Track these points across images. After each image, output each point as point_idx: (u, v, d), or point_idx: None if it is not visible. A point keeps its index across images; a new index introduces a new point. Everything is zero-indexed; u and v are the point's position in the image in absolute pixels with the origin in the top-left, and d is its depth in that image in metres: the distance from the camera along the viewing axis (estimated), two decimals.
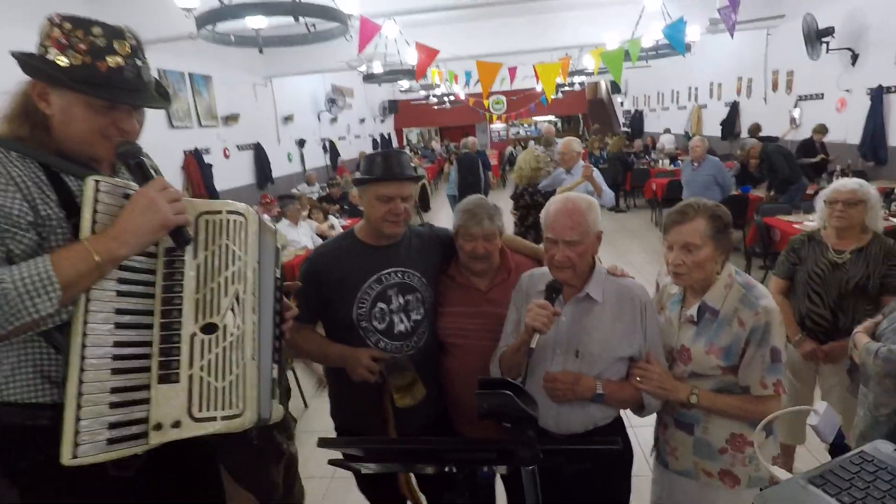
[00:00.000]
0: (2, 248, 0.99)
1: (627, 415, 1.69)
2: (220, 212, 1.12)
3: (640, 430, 2.46)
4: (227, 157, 8.70)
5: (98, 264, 0.99)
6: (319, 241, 5.54)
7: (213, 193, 7.90)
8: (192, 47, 7.15)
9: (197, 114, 7.97)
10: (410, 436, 1.76)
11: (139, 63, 1.11)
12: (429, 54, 5.10)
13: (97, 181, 1.03)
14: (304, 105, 11.94)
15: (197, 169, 7.67)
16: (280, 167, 10.41)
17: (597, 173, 4.45)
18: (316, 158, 12.36)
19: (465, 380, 1.82)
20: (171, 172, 7.14)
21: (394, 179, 1.67)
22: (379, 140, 17.40)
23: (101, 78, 1.05)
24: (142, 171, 1.10)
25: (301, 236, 5.90)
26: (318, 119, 12.77)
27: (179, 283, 1.08)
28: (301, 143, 11.60)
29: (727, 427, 1.57)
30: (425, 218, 10.61)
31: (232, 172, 8.76)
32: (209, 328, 1.07)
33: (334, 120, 13.43)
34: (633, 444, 1.76)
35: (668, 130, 13.37)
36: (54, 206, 1.05)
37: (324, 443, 1.17)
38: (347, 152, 14.01)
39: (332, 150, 13.15)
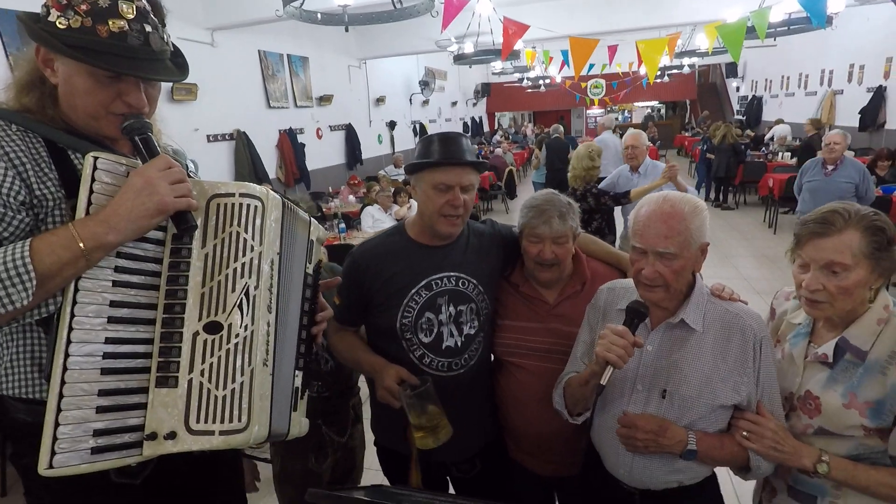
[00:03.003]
0: None
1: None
2: (232, 195, 0.98)
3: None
4: (319, 137, 8.91)
5: (83, 252, 0.87)
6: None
7: (304, 172, 8.15)
8: (291, 29, 7.31)
9: (293, 94, 8.19)
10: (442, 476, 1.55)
11: (147, 28, 0.96)
12: (517, 31, 4.73)
13: (95, 157, 0.92)
14: (396, 87, 11.98)
15: (290, 148, 7.90)
16: (370, 148, 10.53)
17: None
18: (405, 141, 12.40)
19: (525, 405, 1.58)
20: (267, 151, 7.41)
21: (454, 164, 1.43)
22: (469, 123, 17.17)
23: (101, 44, 0.92)
24: (147, 148, 0.97)
25: (390, 222, 5.88)
26: (410, 101, 12.78)
27: (185, 274, 0.96)
28: (391, 124, 11.66)
29: None
30: (510, 205, 10.31)
31: (323, 152, 8.96)
32: (213, 327, 0.94)
33: (426, 102, 13.39)
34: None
35: (780, 121, 11.80)
36: (52, 186, 0.95)
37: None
38: None
39: (421, 132, 13.14)
